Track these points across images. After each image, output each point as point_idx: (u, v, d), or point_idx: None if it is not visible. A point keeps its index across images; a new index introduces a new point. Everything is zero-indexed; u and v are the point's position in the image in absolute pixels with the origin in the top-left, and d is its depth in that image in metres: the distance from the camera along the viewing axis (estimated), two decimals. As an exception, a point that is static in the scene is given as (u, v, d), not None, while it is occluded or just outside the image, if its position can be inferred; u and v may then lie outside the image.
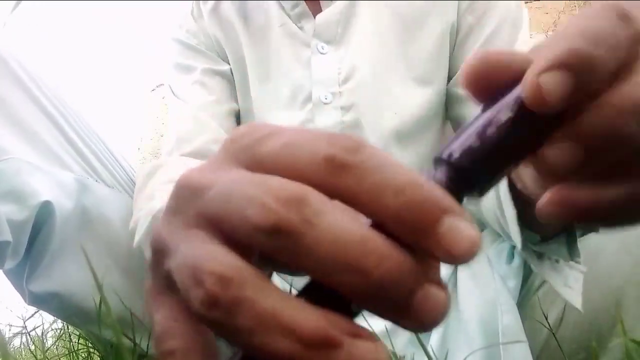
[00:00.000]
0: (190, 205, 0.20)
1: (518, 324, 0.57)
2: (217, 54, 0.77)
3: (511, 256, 0.62)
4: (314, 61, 0.71)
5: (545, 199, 0.26)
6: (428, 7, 0.71)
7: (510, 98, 0.21)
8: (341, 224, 0.17)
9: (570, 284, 0.46)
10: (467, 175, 0.21)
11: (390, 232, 0.18)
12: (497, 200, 0.48)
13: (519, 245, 0.46)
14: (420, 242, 0.18)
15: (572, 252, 0.46)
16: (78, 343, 0.86)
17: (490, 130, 0.21)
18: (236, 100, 0.76)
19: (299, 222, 0.17)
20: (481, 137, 0.21)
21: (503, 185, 0.43)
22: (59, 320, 1.01)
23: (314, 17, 0.73)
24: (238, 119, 0.76)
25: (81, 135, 0.66)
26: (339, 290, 0.18)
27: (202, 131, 0.68)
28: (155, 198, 0.57)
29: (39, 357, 0.86)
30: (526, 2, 2.71)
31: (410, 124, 0.70)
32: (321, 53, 0.72)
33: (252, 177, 0.18)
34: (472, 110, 0.66)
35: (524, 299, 0.62)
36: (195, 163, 0.63)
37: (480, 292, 0.61)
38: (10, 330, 1.35)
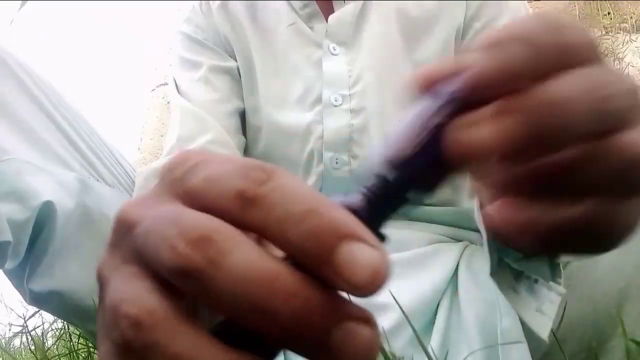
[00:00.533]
0: (124, 240, 0.20)
1: (517, 327, 0.57)
2: (225, 50, 0.76)
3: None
4: (325, 62, 0.70)
5: (487, 214, 0.25)
6: (436, 11, 0.71)
7: (436, 104, 0.21)
8: (248, 263, 0.17)
9: (544, 309, 0.44)
10: (398, 183, 0.20)
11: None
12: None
13: (489, 266, 0.43)
14: (322, 274, 0.17)
15: (554, 272, 0.44)
16: (78, 343, 0.86)
17: (417, 138, 0.20)
18: (241, 99, 0.75)
19: (205, 263, 0.17)
20: (407, 144, 0.20)
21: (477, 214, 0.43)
22: (60, 320, 1.01)
23: (325, 18, 0.72)
24: (243, 117, 0.75)
25: (82, 135, 0.66)
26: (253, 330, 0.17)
27: (203, 131, 0.68)
28: None
29: (39, 357, 0.85)
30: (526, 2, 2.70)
31: None
32: (333, 54, 0.71)
33: (171, 215, 0.18)
34: None
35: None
36: None
37: (480, 294, 0.60)
38: (10, 330, 1.35)
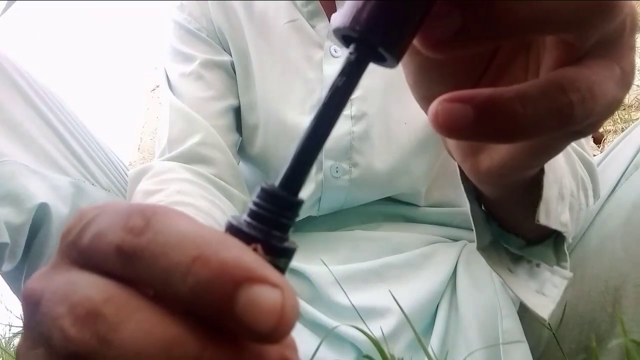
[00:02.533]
0: (30, 320, 0.19)
1: (518, 328, 0.57)
2: (219, 42, 0.72)
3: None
4: (325, 65, 0.68)
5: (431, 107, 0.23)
6: None
7: None
8: (141, 334, 0.16)
9: (545, 291, 0.43)
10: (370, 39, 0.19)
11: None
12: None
13: (475, 242, 0.44)
14: (225, 325, 0.16)
15: (559, 256, 0.44)
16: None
17: None
18: (236, 95, 0.72)
19: (95, 343, 0.16)
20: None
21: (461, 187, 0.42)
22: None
23: (328, 17, 0.69)
24: (237, 114, 0.72)
25: (78, 138, 0.65)
26: None
27: (192, 132, 0.65)
28: None
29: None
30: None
31: (421, 134, 0.68)
32: (334, 56, 0.68)
33: (62, 289, 0.17)
34: None
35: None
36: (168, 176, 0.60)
37: (479, 296, 0.60)
38: (10, 330, 1.36)
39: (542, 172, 0.37)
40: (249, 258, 0.16)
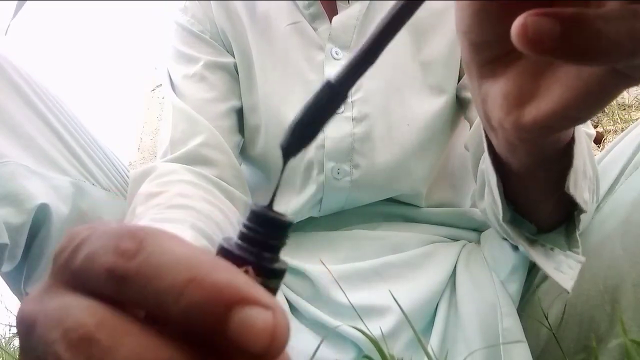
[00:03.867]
0: (25, 343, 0.19)
1: (518, 327, 0.57)
2: (223, 44, 0.72)
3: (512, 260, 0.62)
4: (327, 67, 0.67)
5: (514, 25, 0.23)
6: (444, 10, 0.68)
7: None
8: (134, 358, 0.16)
9: (563, 269, 0.45)
10: None
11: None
12: (491, 195, 0.48)
13: (500, 215, 0.45)
14: (218, 346, 0.16)
15: (571, 243, 0.45)
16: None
17: None
18: (239, 97, 0.72)
19: None
20: None
21: (488, 160, 0.42)
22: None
23: (329, 19, 0.69)
24: (240, 116, 0.72)
25: (77, 139, 0.65)
26: None
27: (195, 134, 0.66)
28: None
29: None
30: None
31: (424, 135, 0.67)
32: (335, 58, 0.68)
33: (54, 314, 0.17)
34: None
35: (523, 298, 0.62)
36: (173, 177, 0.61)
37: (479, 295, 0.60)
38: (10, 330, 1.36)
39: (572, 141, 0.37)
40: (240, 280, 0.16)
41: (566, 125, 0.32)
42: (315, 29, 0.69)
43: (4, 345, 1.27)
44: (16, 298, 0.68)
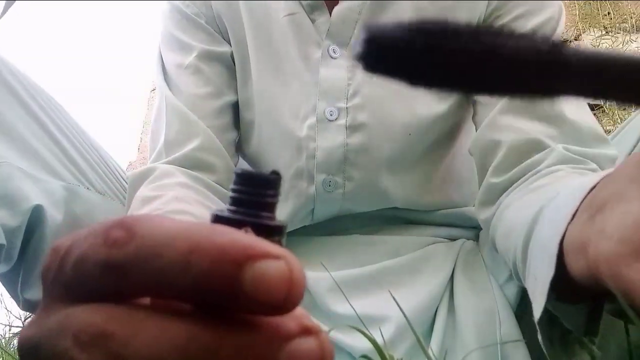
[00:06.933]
0: None
1: (517, 331, 0.57)
2: (219, 29, 0.68)
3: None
4: (322, 67, 0.63)
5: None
6: (453, 7, 0.64)
7: None
8: (154, 341, 0.15)
9: None
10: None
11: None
12: (523, 246, 0.43)
13: (537, 312, 0.37)
14: (237, 307, 0.16)
15: (590, 328, 0.38)
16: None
17: None
18: (234, 90, 0.68)
19: None
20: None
21: (538, 239, 0.38)
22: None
23: (330, 11, 0.64)
24: (236, 110, 0.69)
25: (73, 142, 0.65)
26: None
27: (190, 137, 0.64)
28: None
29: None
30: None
31: (427, 144, 0.65)
32: (332, 57, 0.63)
33: (58, 327, 0.17)
34: (485, 114, 0.62)
35: (522, 302, 0.61)
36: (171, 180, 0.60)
37: (477, 300, 0.60)
38: (10, 330, 1.36)
39: None
40: (244, 238, 0.16)
41: None
42: (313, 21, 0.65)
43: (4, 345, 1.27)
44: (14, 300, 0.68)
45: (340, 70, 0.63)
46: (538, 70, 0.17)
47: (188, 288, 0.16)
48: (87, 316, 0.16)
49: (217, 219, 0.18)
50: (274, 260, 0.15)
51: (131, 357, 0.15)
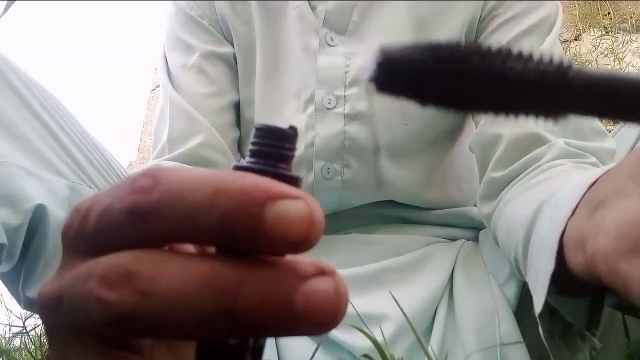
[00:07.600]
0: (55, 318, 0.19)
1: (516, 331, 0.57)
2: (222, 31, 0.69)
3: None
4: (320, 54, 0.64)
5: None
6: (450, 3, 0.64)
7: None
8: (179, 278, 0.16)
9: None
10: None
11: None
12: (524, 241, 0.44)
13: (538, 306, 0.37)
14: (259, 246, 0.16)
15: (591, 321, 0.38)
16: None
17: None
18: (237, 90, 0.69)
19: (138, 299, 0.16)
20: None
21: (540, 233, 0.38)
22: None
23: None
24: (238, 109, 0.70)
25: (75, 141, 0.65)
26: (221, 340, 0.17)
27: (194, 133, 0.65)
28: None
29: (37, 357, 0.86)
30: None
31: (424, 137, 0.65)
32: (330, 45, 0.64)
33: (83, 273, 0.17)
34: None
35: (522, 301, 0.61)
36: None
37: (477, 299, 0.60)
38: (10, 330, 1.36)
39: None
40: (266, 180, 0.17)
41: None
42: (313, 9, 0.65)
43: (4, 345, 1.27)
44: (14, 299, 0.68)
45: (338, 57, 0.64)
46: (545, 92, 0.18)
47: (212, 229, 0.16)
48: (112, 259, 0.17)
49: (237, 169, 0.19)
50: (295, 200, 0.16)
51: (157, 293, 0.16)
